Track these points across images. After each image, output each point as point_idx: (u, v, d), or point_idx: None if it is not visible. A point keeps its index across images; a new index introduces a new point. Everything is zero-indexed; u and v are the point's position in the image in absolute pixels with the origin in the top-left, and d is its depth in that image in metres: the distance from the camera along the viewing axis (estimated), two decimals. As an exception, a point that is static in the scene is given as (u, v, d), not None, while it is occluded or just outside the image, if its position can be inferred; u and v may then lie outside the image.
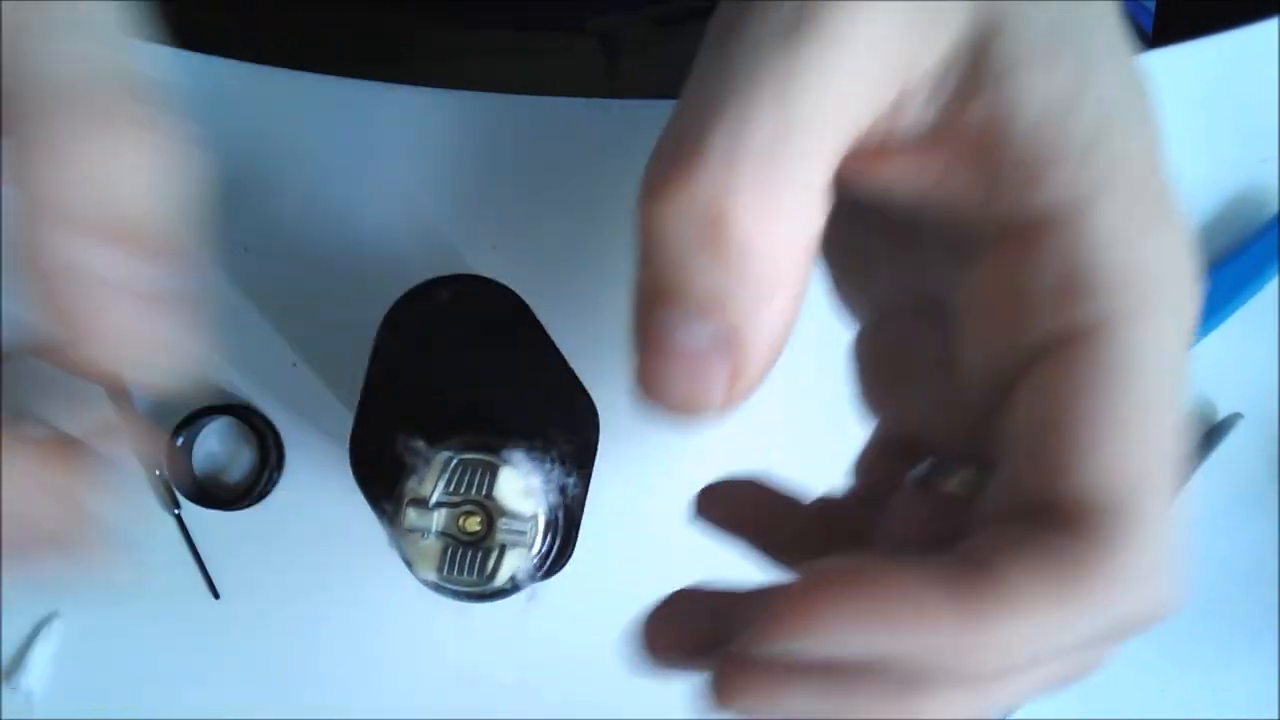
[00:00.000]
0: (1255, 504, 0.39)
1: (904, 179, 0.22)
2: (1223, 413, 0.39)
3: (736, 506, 0.27)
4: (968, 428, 0.23)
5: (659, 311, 0.19)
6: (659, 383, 0.19)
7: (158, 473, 0.37)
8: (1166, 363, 0.21)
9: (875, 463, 0.26)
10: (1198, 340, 0.38)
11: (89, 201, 0.19)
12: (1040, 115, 0.21)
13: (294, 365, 0.38)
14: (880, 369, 0.26)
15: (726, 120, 0.19)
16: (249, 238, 0.38)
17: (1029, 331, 0.21)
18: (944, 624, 0.19)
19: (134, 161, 0.19)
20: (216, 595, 0.38)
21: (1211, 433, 0.39)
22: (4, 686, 0.38)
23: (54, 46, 0.19)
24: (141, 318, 0.20)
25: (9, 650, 0.38)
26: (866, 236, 0.24)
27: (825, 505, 0.26)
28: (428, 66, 0.46)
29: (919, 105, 0.22)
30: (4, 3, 0.19)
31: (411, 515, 0.25)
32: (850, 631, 0.19)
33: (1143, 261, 0.21)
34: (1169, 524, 0.21)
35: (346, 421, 0.29)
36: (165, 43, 0.38)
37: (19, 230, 0.19)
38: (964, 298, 0.22)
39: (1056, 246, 0.21)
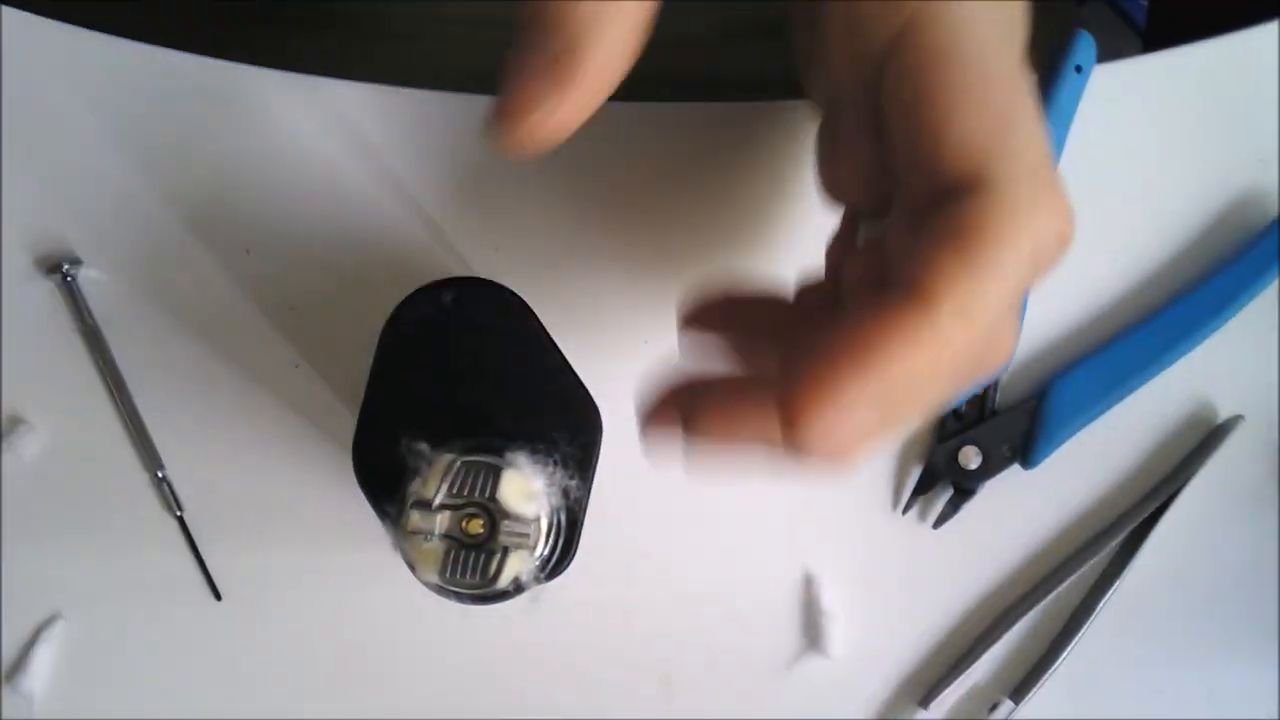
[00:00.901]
0: (1255, 506, 0.39)
1: None
2: (1223, 415, 0.39)
3: (724, 312, 0.29)
4: (883, 177, 0.26)
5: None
6: (502, 106, 0.21)
7: (159, 474, 0.37)
8: (982, 32, 0.23)
9: (836, 247, 0.29)
10: (1198, 342, 0.38)
11: None
12: None
13: (296, 366, 0.38)
14: (825, 153, 0.28)
15: None
16: (250, 240, 0.38)
17: (865, 42, 0.25)
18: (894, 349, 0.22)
19: None
20: (218, 596, 0.38)
21: (1212, 435, 0.39)
22: (5, 687, 0.38)
23: None
24: None
25: (10, 651, 0.38)
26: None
27: (802, 293, 0.29)
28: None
29: None
30: None
31: (414, 517, 0.25)
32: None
33: None
34: (1031, 170, 0.23)
35: (349, 423, 0.29)
36: (165, 44, 0.38)
37: None
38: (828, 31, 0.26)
39: None
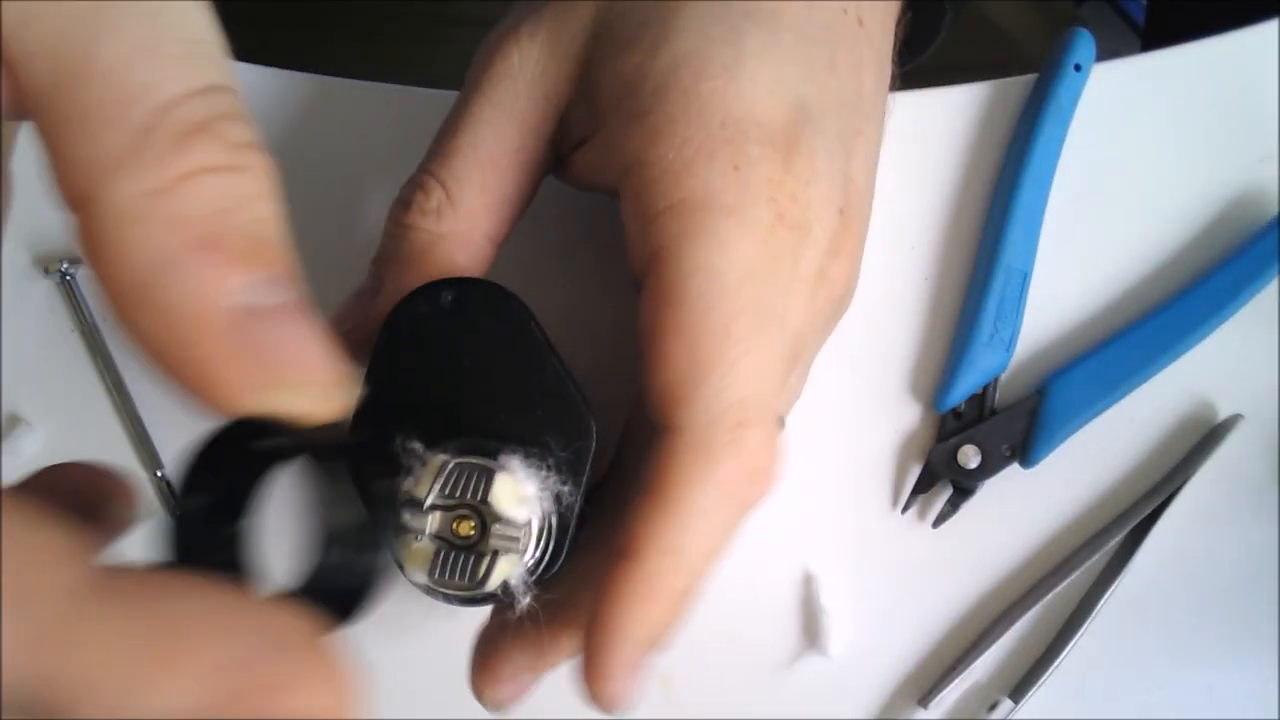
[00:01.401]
0: (1256, 505, 0.39)
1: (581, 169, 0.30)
2: (1223, 414, 0.39)
3: None
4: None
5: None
6: None
7: (159, 474, 0.37)
8: (719, 280, 0.25)
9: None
10: (1198, 341, 0.38)
11: (230, 228, 0.17)
12: (617, 92, 0.27)
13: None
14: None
15: None
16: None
17: (635, 260, 0.27)
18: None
19: (257, 183, 0.18)
20: (218, 596, 0.38)
21: (1212, 434, 0.39)
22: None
23: (155, 64, 0.17)
24: (299, 339, 0.18)
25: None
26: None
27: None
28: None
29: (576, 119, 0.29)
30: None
31: (405, 517, 0.24)
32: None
33: (691, 194, 0.25)
34: (718, 417, 0.25)
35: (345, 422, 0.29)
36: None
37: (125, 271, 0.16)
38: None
39: (631, 187, 0.26)
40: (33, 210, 0.38)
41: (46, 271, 0.37)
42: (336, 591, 0.18)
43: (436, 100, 0.38)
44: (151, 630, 0.15)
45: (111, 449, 0.38)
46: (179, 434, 0.38)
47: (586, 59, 0.29)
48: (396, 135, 0.38)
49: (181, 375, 0.17)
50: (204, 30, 0.18)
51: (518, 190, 0.30)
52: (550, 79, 0.29)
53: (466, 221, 0.29)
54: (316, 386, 0.18)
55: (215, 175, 0.17)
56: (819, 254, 0.28)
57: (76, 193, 0.17)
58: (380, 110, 0.39)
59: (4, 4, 0.16)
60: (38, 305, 0.38)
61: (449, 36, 0.47)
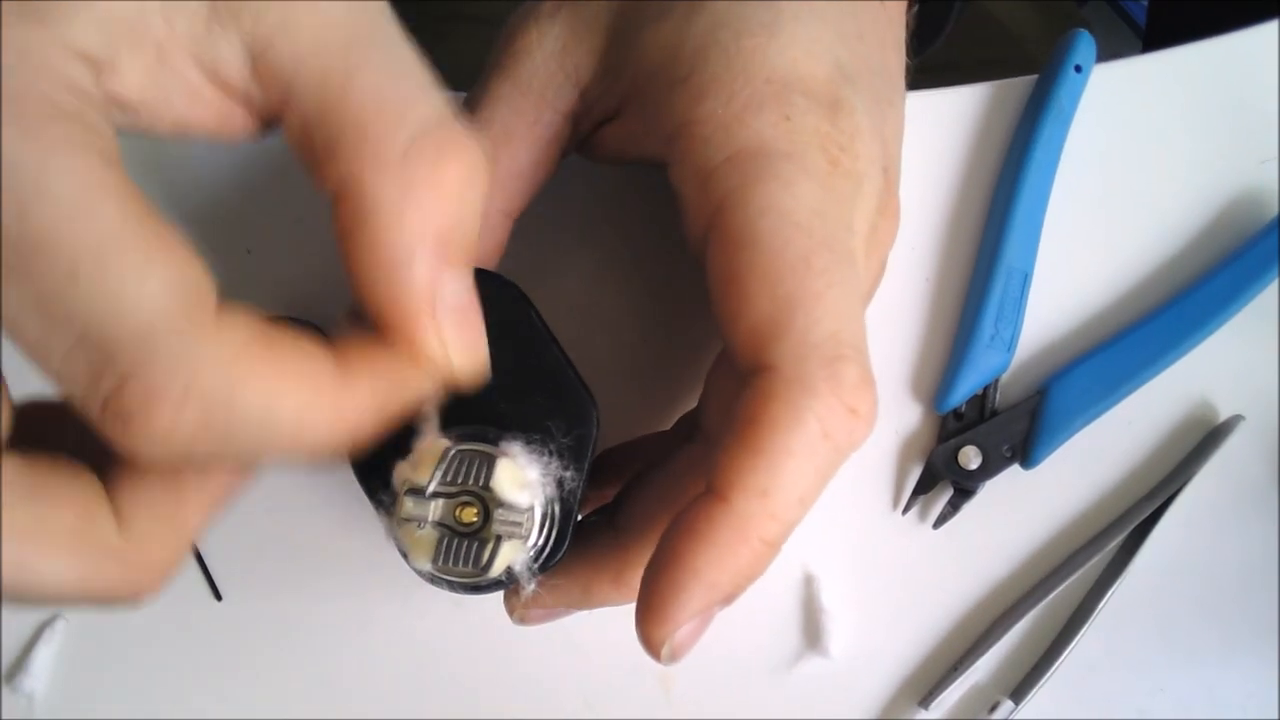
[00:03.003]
0: (1256, 506, 0.39)
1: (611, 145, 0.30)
2: (1223, 415, 0.39)
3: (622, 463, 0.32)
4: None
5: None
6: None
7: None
8: (786, 212, 0.25)
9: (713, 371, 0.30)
10: (1198, 342, 0.38)
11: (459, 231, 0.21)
12: (654, 61, 0.27)
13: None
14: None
15: None
16: (251, 240, 0.38)
17: (693, 221, 0.26)
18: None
19: (480, 200, 0.22)
20: (219, 597, 0.38)
21: (1212, 435, 0.39)
22: (6, 688, 0.38)
23: (411, 86, 0.21)
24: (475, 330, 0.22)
25: (11, 652, 0.38)
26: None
27: (679, 421, 0.32)
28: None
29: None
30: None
31: (408, 504, 0.24)
32: None
33: (746, 143, 0.25)
34: (813, 352, 0.24)
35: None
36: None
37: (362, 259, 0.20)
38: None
39: (682, 149, 0.26)
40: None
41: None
42: None
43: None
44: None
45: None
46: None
47: (611, 35, 0.29)
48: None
49: (397, 341, 0.21)
50: (420, 66, 0.22)
51: (533, 165, 0.30)
52: (571, 56, 0.29)
53: None
54: (473, 367, 0.23)
55: (456, 189, 0.21)
56: (871, 210, 0.27)
57: (340, 181, 0.20)
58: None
59: (278, 57, 0.21)
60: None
61: (448, 34, 0.46)
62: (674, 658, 0.24)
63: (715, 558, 0.23)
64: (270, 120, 0.22)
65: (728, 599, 0.24)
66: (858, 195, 0.27)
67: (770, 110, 0.26)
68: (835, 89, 0.27)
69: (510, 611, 0.30)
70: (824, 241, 0.25)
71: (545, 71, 0.29)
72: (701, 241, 0.26)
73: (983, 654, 0.38)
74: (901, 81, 0.31)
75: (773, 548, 0.24)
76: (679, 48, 0.27)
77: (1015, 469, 0.38)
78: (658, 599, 0.24)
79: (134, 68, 0.20)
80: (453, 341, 0.22)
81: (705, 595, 0.23)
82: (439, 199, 0.20)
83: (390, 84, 0.21)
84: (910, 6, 0.33)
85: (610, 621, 0.38)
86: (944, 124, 0.39)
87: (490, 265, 0.30)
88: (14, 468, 0.20)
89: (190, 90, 0.21)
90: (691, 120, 0.26)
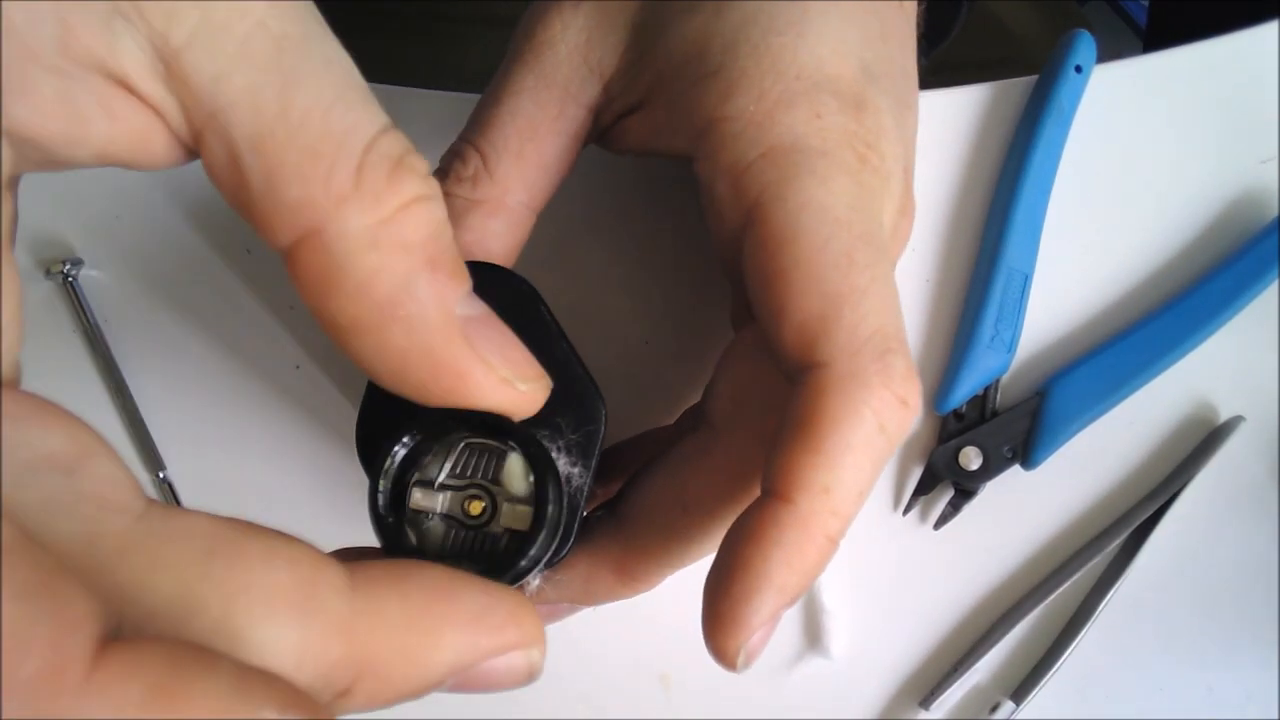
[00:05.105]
0: (1256, 507, 0.39)
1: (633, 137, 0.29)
2: (1224, 415, 0.39)
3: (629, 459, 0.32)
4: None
5: None
6: None
7: (160, 475, 0.37)
8: (825, 208, 0.24)
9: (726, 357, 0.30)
10: (1198, 342, 0.38)
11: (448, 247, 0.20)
12: (682, 55, 0.27)
13: (297, 367, 0.38)
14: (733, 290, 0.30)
15: None
16: (252, 240, 0.38)
17: (725, 216, 0.26)
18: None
19: (443, 208, 0.21)
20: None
21: (1212, 435, 0.39)
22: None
23: (348, 108, 0.19)
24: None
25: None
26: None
27: (683, 416, 0.32)
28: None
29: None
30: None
31: (416, 495, 0.24)
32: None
33: (779, 140, 0.25)
34: (863, 345, 0.24)
35: (350, 422, 0.29)
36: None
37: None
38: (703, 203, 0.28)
39: (712, 145, 0.26)
40: (34, 212, 0.38)
41: (48, 273, 0.37)
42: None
43: (436, 101, 0.38)
44: (409, 611, 0.18)
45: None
46: (180, 434, 0.38)
47: (635, 29, 0.29)
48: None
49: (431, 378, 0.20)
50: (359, 74, 0.20)
51: (556, 158, 0.30)
52: (595, 49, 0.29)
53: (502, 188, 0.29)
54: (537, 381, 0.22)
55: (422, 204, 0.20)
56: (894, 209, 0.28)
57: (297, 230, 0.19)
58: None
59: (195, 68, 0.18)
60: (38, 306, 0.38)
61: (448, 34, 0.47)
62: (747, 665, 0.24)
63: (784, 560, 0.23)
64: (191, 144, 0.20)
65: (794, 600, 0.24)
66: (885, 193, 0.27)
67: (802, 107, 0.26)
68: (861, 89, 0.27)
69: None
70: (863, 236, 0.25)
71: (569, 64, 0.29)
72: (733, 236, 0.26)
73: (983, 654, 0.38)
74: (916, 83, 0.32)
75: (835, 544, 0.24)
76: (707, 43, 0.27)
77: (1016, 470, 0.38)
78: (728, 608, 0.23)
79: (35, 86, 0.17)
80: (493, 356, 0.21)
81: (776, 599, 0.23)
82: (413, 215, 0.19)
83: (331, 97, 0.19)
84: (919, 5, 0.33)
85: (610, 621, 0.38)
86: (944, 124, 0.39)
87: (512, 261, 0.30)
88: None
89: (101, 101, 0.18)
90: (722, 116, 0.26)
